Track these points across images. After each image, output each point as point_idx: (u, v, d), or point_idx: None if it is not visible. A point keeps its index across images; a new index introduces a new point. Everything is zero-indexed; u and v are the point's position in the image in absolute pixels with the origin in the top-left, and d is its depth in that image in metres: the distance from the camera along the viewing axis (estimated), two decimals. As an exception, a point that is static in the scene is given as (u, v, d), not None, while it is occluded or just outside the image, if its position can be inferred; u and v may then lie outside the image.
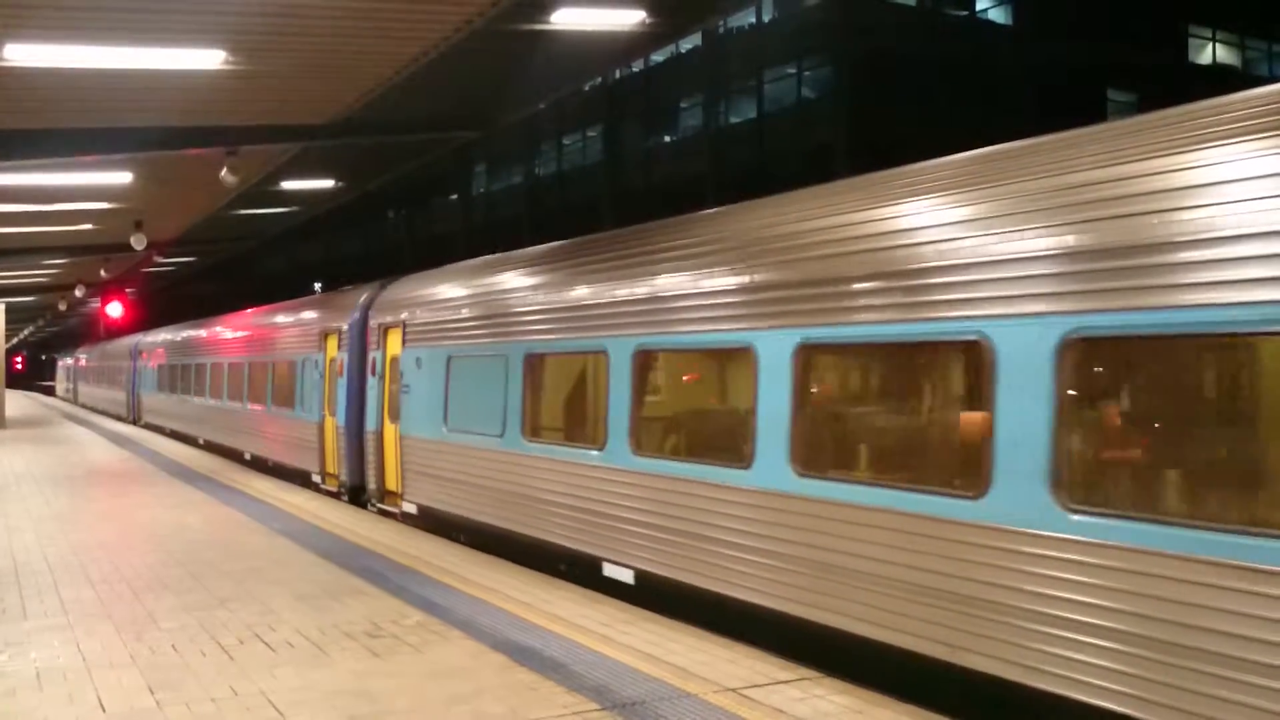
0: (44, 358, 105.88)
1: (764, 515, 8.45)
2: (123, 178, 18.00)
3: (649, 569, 9.86)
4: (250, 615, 9.04)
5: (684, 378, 10.85)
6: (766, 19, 42.80)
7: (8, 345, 41.76)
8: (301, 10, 10.24)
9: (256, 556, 11.83)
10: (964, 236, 7.04)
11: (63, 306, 48.82)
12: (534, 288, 12.41)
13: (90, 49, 10.79)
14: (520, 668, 7.45)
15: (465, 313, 13.97)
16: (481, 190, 60.90)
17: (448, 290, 14.91)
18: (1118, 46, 40.83)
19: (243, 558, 11.74)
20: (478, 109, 16.51)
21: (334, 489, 18.35)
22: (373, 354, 17.08)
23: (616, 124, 49.58)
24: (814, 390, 8.51)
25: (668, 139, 48.04)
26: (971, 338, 6.88)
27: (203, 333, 30.44)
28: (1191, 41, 46.86)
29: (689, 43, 44.34)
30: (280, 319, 23.02)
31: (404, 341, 15.74)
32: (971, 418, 7.13)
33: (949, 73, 38.20)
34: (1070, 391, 6.36)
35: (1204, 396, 6.32)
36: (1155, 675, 5.75)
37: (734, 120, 44.11)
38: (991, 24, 42.89)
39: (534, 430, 12.17)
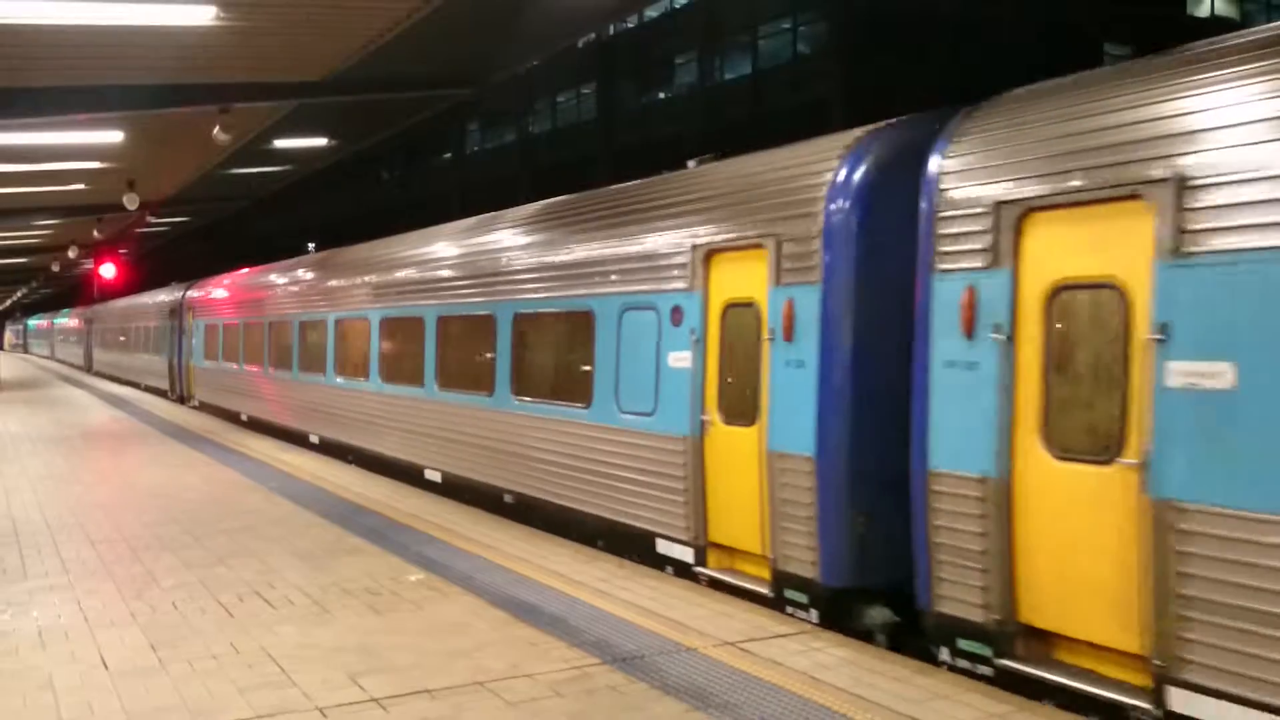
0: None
1: None
2: (114, 136, 17.83)
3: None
4: (250, 573, 9.08)
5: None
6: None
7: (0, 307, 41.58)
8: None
9: (255, 515, 11.86)
10: None
11: (56, 268, 48.58)
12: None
13: (78, 4, 10.66)
14: (520, 623, 7.49)
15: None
16: (475, 149, 60.51)
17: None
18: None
19: (241, 516, 11.78)
20: (471, 66, 16.36)
21: None
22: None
23: (610, 81, 49.17)
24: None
25: (662, 95, 47.62)
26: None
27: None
28: (1190, -7, 46.35)
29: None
30: None
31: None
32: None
33: (944, 26, 37.79)
34: None
35: None
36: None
37: (729, 76, 43.68)
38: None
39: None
